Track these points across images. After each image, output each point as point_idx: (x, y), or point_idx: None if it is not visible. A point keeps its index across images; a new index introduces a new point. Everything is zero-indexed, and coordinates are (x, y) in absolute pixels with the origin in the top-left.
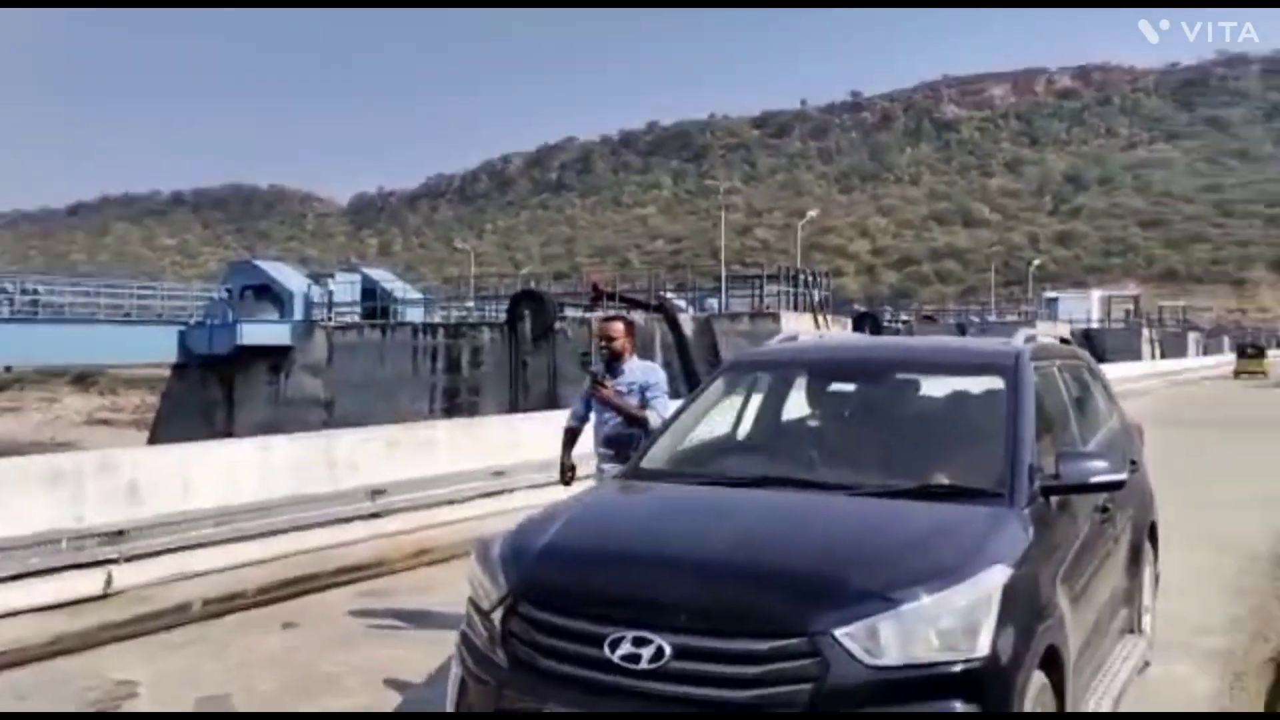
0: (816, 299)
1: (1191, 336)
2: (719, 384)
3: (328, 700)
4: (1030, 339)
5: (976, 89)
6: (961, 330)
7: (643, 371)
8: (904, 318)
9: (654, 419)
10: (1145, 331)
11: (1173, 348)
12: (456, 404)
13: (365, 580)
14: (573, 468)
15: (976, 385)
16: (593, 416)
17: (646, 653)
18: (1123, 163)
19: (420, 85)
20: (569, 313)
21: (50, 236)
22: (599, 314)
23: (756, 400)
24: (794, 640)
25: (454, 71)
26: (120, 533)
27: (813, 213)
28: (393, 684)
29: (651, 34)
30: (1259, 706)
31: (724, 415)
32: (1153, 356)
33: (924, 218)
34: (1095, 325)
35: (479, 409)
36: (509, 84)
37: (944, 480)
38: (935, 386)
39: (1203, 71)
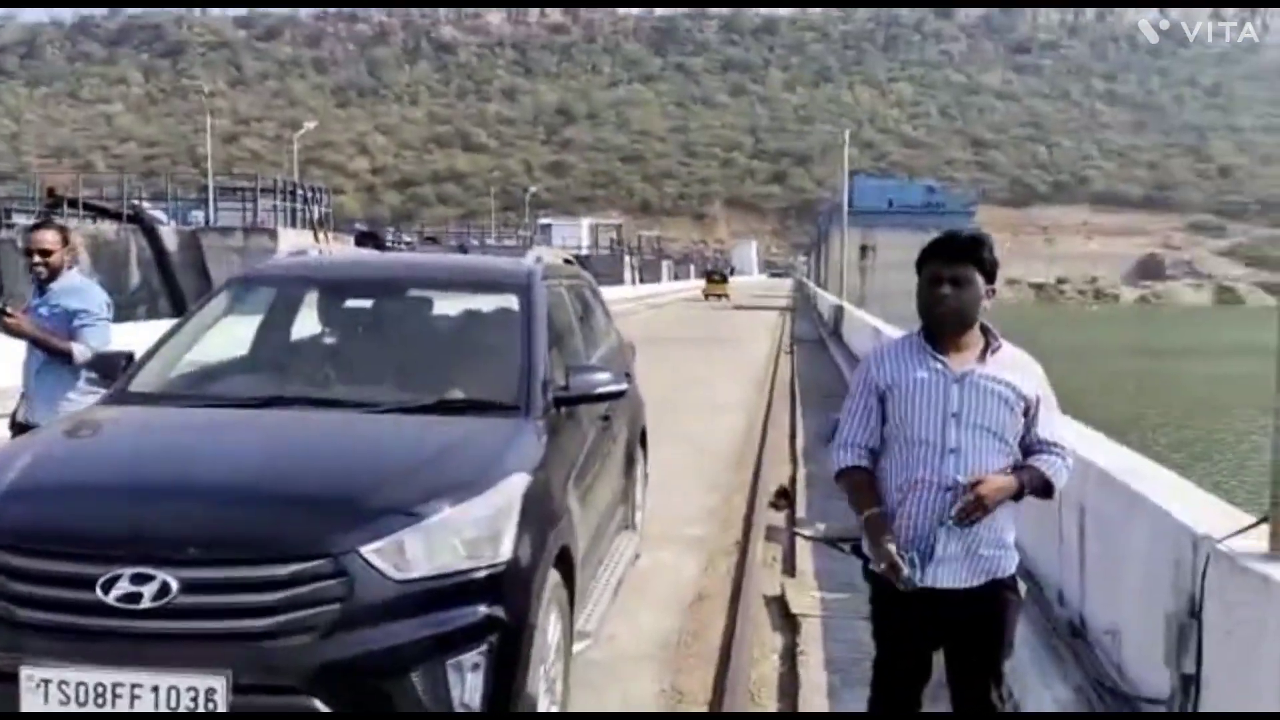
0: (316, 216)
1: (665, 264)
2: (221, 300)
3: None
4: (539, 259)
5: (474, 14)
6: (463, 251)
7: (73, 293)
8: (406, 239)
9: (80, 352)
10: (627, 258)
11: (650, 273)
12: None
13: None
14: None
15: (490, 303)
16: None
17: (148, 590)
18: (606, 100)
19: None
20: (18, 220)
21: None
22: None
23: (264, 318)
24: (317, 562)
25: None
26: None
27: (310, 124)
28: None
29: None
30: (728, 583)
31: (228, 334)
32: (634, 281)
33: (424, 140)
34: (585, 251)
35: None
36: None
37: (462, 395)
38: (449, 304)
39: (672, 21)
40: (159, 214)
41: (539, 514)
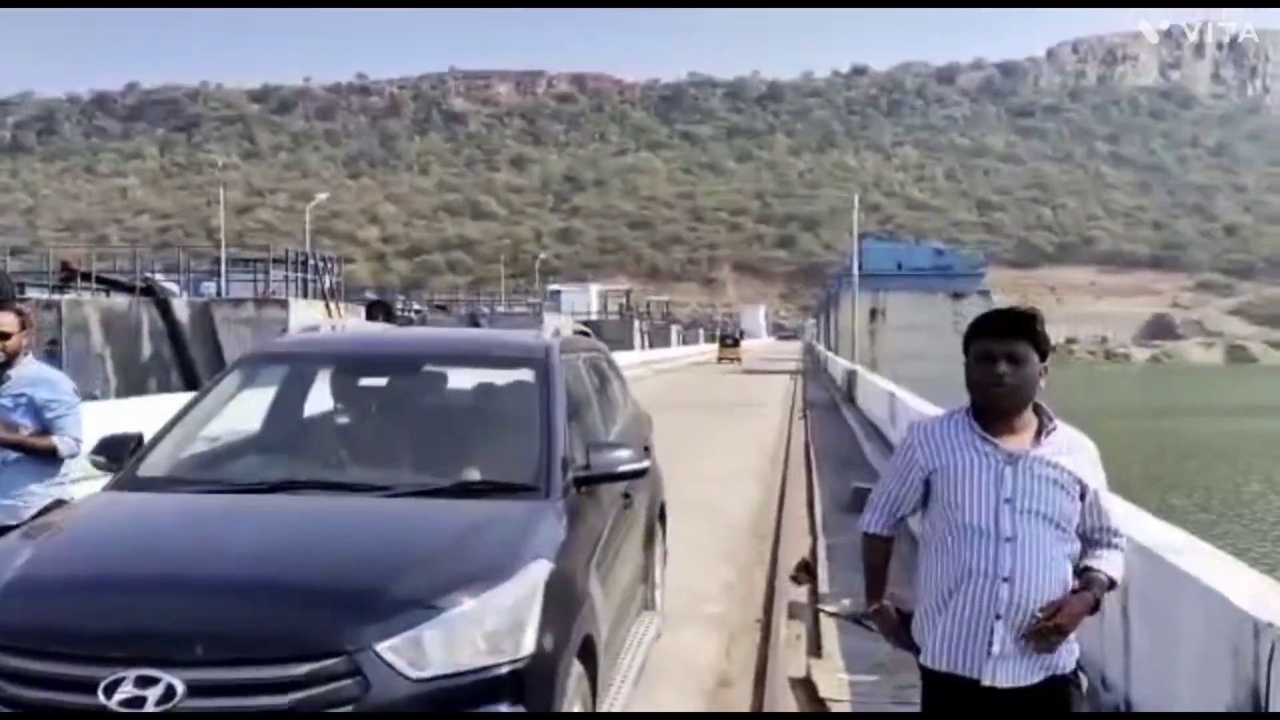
0: (327, 285)
1: (674, 328)
2: (233, 378)
3: None
4: (557, 332)
5: (483, 84)
6: (474, 320)
7: (39, 383)
8: (416, 307)
9: (68, 446)
10: (636, 323)
11: (659, 338)
12: None
13: None
14: None
15: (507, 379)
16: None
17: (153, 694)
18: (614, 167)
19: None
20: (31, 294)
21: None
22: (71, 296)
23: (276, 396)
24: (331, 661)
25: None
26: None
27: (322, 195)
28: None
29: None
30: (752, 664)
31: (240, 413)
32: (643, 346)
33: (434, 208)
34: (594, 317)
35: None
36: None
37: (479, 476)
38: (464, 379)
39: (678, 90)
40: (171, 286)
41: (562, 603)
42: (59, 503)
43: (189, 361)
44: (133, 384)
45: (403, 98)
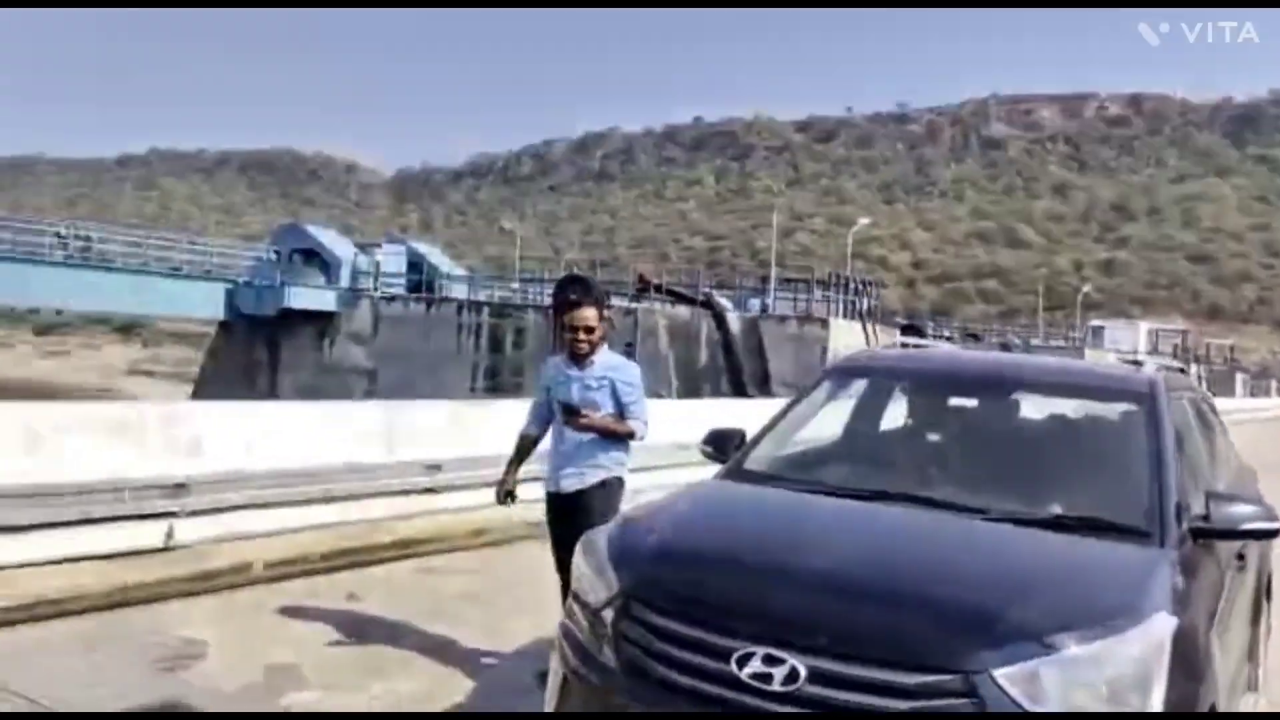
0: (865, 307)
1: (1239, 376)
2: (824, 388)
3: (400, 681)
4: (1161, 367)
5: (1025, 109)
6: (1006, 349)
7: (617, 369)
8: (945, 334)
9: (640, 430)
10: (1194, 368)
11: (1221, 387)
12: (498, 383)
13: (424, 555)
14: (513, 490)
15: (1104, 410)
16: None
17: (779, 673)
18: (1172, 195)
19: (471, 63)
20: (614, 302)
21: (99, 186)
22: (645, 305)
23: (856, 408)
24: (947, 677)
25: (504, 53)
26: (181, 486)
27: (865, 220)
28: (461, 666)
29: (697, 30)
30: None
31: (827, 422)
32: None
33: (966, 235)
34: (1142, 358)
35: (521, 391)
36: (555, 69)
37: (1079, 512)
38: (1054, 409)
39: (1255, 109)
40: (725, 301)
41: (1187, 665)
42: (618, 480)
43: (738, 369)
44: (690, 387)
45: (940, 124)
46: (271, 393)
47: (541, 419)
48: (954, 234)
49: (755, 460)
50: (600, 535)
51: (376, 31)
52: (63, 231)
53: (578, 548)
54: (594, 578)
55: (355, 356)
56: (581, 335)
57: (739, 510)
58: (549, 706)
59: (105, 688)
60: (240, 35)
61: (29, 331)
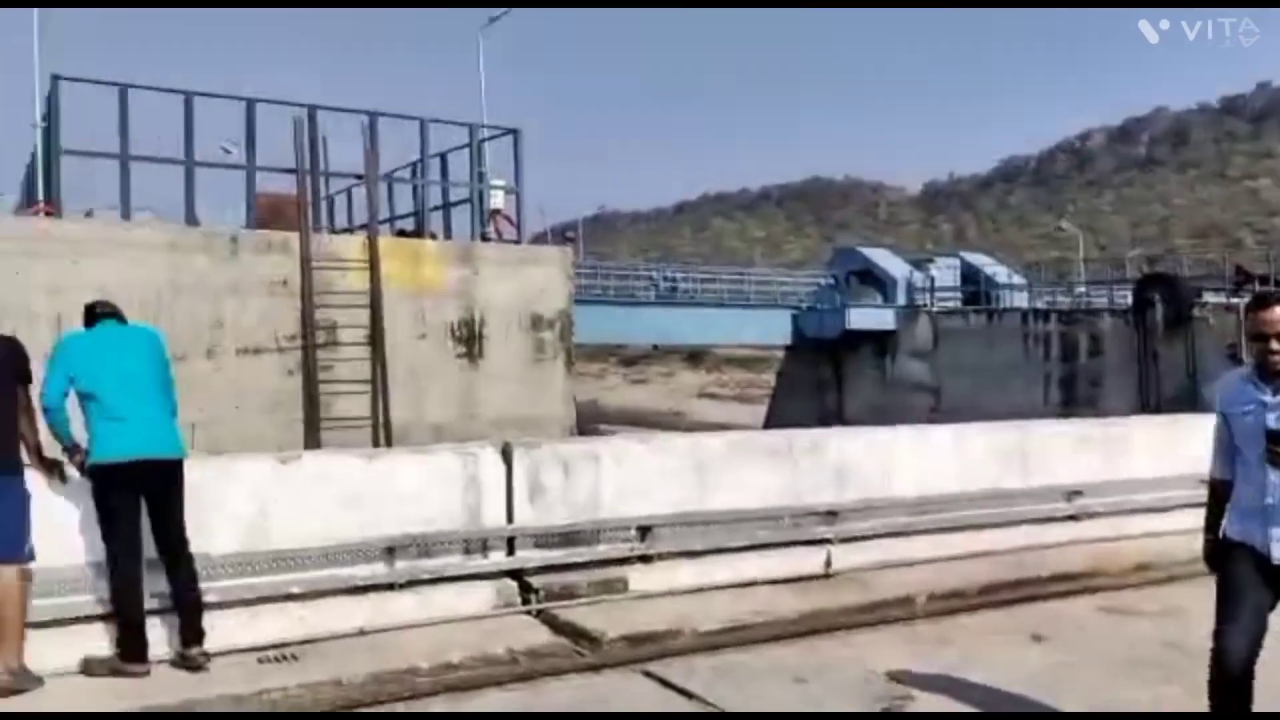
0: None
1: None
2: None
3: None
4: None
5: None
6: None
7: None
8: None
9: None
10: None
11: None
12: (1074, 396)
13: (1094, 592)
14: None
15: None
16: (1239, 471)
17: None
18: None
19: (987, 69)
20: (1207, 298)
21: (661, 232)
22: (1246, 299)
23: None
24: None
25: (1018, 52)
26: (833, 513)
27: None
28: None
29: None
30: None
31: None
32: None
33: None
34: None
35: (1100, 402)
36: (1089, 57)
37: None
38: None
39: None
40: None
41: None
42: None
43: None
44: None
45: None
46: (838, 410)
47: (1230, 457)
48: None
49: None
50: None
51: (895, 53)
52: (654, 275)
53: None
54: None
55: (917, 372)
56: (1274, 344)
57: None
58: None
59: None
60: (763, 82)
61: (615, 363)
